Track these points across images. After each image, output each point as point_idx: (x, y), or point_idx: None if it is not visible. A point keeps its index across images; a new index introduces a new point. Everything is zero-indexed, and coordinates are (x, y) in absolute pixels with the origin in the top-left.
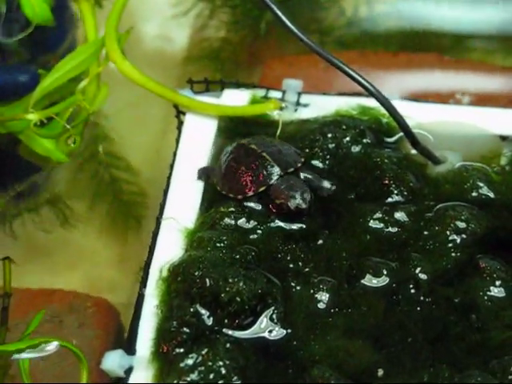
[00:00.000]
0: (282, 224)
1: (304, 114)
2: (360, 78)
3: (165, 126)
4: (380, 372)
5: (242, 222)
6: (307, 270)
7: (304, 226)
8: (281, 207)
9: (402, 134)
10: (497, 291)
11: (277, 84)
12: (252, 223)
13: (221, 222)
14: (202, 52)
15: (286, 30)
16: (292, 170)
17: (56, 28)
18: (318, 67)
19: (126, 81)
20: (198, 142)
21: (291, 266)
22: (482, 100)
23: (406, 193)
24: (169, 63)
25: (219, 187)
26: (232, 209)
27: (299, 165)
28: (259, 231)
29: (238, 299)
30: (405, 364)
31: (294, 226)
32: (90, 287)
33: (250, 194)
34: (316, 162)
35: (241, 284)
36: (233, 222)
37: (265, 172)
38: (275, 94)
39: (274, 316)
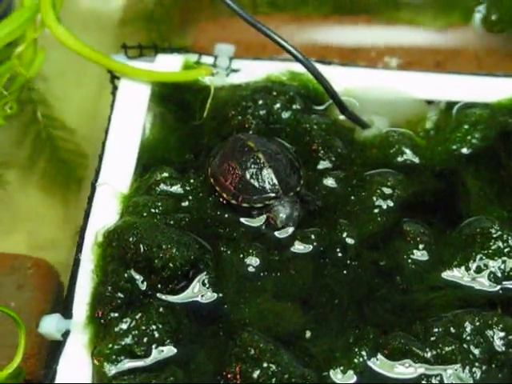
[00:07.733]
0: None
1: (236, 79)
2: (285, 44)
3: (103, 88)
4: (308, 333)
5: (177, 188)
6: (237, 235)
7: None
8: (269, 221)
9: (331, 101)
10: (420, 254)
11: (210, 47)
12: (187, 190)
13: (156, 188)
14: (138, 14)
15: None
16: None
17: None
18: (251, 30)
19: None
20: (132, 107)
21: (222, 231)
22: (410, 63)
23: (334, 159)
24: (105, 25)
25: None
26: (167, 174)
27: (298, 189)
28: (193, 198)
29: (171, 265)
30: (332, 325)
31: None
32: (31, 248)
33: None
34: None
35: (174, 250)
36: (168, 188)
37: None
38: (207, 59)
39: (206, 281)
